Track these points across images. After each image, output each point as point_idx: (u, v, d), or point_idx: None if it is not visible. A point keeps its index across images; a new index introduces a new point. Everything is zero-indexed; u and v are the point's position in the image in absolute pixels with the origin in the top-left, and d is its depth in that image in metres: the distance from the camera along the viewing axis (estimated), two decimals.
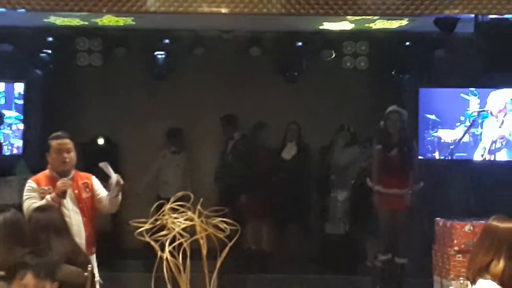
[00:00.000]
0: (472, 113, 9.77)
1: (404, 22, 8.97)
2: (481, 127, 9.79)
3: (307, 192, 10.23)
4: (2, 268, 4.31)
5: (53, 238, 5.01)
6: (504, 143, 9.76)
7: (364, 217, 9.03)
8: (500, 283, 4.01)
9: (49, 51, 10.07)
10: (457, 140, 9.75)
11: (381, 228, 8.82)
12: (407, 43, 9.89)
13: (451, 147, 9.78)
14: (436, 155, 9.92)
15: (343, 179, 9.75)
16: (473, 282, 4.15)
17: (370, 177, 8.85)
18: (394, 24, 9.15)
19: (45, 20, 9.23)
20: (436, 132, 9.86)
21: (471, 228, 7.64)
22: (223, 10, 7.37)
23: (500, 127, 9.77)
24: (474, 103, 9.78)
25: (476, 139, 9.80)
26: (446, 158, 9.80)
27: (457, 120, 9.79)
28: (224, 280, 8.01)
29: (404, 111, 8.94)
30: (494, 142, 9.74)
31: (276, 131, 10.18)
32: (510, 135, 9.75)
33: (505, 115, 9.75)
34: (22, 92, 10.05)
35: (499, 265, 4.06)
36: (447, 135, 9.84)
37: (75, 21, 9.46)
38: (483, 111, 9.76)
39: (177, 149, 10.33)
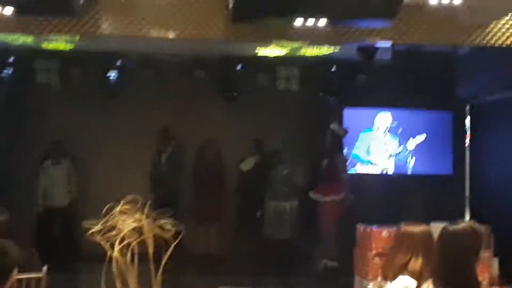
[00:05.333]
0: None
1: (331, 49, 9.10)
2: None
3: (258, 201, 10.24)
4: None
5: None
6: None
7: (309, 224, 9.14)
8: (417, 279, 4.12)
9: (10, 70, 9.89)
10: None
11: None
12: (333, 69, 10.03)
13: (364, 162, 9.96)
14: (357, 169, 10.09)
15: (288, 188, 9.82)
16: (393, 279, 4.25)
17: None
18: (322, 51, 9.27)
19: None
20: (355, 149, 10.04)
21: (388, 233, 7.75)
22: (171, 35, 7.36)
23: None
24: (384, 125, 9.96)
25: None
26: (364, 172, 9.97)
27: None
28: (172, 279, 8.01)
29: (338, 128, 9.09)
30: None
31: (219, 146, 10.24)
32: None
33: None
34: None
35: (417, 263, 4.19)
36: (361, 152, 10.01)
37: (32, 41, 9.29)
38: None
39: (57, 160, 10.16)
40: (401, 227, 4.50)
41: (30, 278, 4.72)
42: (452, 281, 3.62)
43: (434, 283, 3.74)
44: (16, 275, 4.49)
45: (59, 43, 9.00)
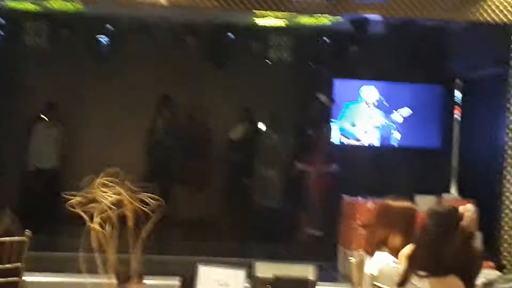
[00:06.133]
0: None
1: (324, 20, 9.02)
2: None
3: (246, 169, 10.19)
4: None
5: None
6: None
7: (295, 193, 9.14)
8: (396, 255, 4.10)
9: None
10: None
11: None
12: (325, 39, 9.95)
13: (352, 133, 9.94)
14: (344, 140, 10.06)
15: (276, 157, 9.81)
16: (372, 254, 4.23)
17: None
18: (315, 21, 9.19)
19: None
20: (342, 120, 10.00)
21: (373, 205, 7.77)
22: (162, 1, 7.27)
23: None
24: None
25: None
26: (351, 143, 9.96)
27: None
28: (159, 245, 8.04)
29: (325, 99, 9.05)
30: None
31: (208, 112, 10.19)
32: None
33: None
34: None
35: (396, 239, 4.15)
36: (347, 123, 9.98)
37: (25, 4, 9.16)
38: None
39: (50, 121, 10.10)
40: (384, 201, 4.46)
41: (12, 242, 4.71)
42: (429, 264, 3.61)
43: (409, 261, 3.73)
44: None
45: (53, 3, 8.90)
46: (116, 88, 10.36)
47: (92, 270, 3.24)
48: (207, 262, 3.73)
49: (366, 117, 9.80)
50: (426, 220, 3.71)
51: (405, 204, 4.29)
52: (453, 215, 3.70)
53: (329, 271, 7.84)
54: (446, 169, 9.41)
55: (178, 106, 10.31)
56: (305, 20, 9.15)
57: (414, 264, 3.70)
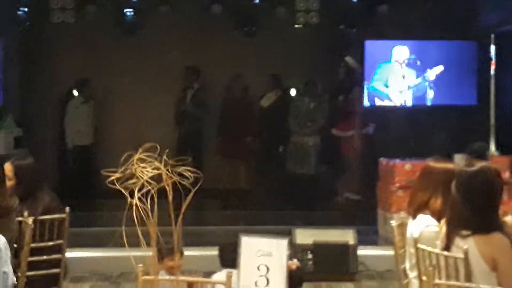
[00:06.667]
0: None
1: None
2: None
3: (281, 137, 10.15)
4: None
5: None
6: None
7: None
8: (437, 218, 4.06)
9: (26, 9, 9.82)
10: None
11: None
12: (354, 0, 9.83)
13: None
14: (377, 102, 9.97)
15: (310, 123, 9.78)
16: (414, 217, 4.21)
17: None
18: None
19: None
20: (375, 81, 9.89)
21: (411, 166, 7.72)
22: None
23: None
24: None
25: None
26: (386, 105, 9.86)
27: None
28: (198, 216, 8.11)
29: (352, 61, 8.95)
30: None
31: (238, 81, 10.17)
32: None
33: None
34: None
35: (437, 202, 4.12)
36: (379, 84, 9.86)
37: None
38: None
39: (84, 98, 10.17)
40: (425, 162, 4.40)
41: (53, 219, 4.78)
42: (470, 223, 3.58)
43: (448, 224, 3.71)
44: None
45: None
46: (145, 61, 10.36)
47: (133, 244, 3.28)
48: (246, 232, 3.74)
49: (399, 77, 9.67)
50: (462, 184, 3.67)
51: (446, 165, 4.22)
52: (492, 175, 3.66)
53: (369, 234, 7.85)
54: (484, 126, 9.27)
55: (207, 76, 10.28)
56: None
57: (456, 224, 3.67)
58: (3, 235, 3.41)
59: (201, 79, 10.21)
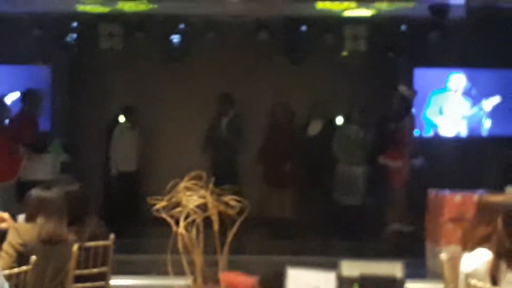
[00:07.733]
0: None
1: (401, 6, 8.87)
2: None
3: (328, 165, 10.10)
4: (52, 241, 4.21)
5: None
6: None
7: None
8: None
9: (74, 35, 10.05)
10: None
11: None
12: (403, 27, 9.79)
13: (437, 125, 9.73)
14: (430, 131, 9.88)
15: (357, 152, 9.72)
16: (471, 250, 4.15)
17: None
18: (392, 8, 9.05)
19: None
20: (428, 110, 9.81)
21: (461, 198, 7.59)
22: None
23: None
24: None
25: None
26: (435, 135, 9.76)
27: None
28: (243, 244, 8.09)
29: (406, 90, 8.91)
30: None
31: (284, 108, 10.16)
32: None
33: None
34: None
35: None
36: (433, 114, 9.77)
37: (99, 9, 9.42)
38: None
39: (130, 124, 10.26)
40: (483, 196, 4.35)
41: (98, 246, 4.82)
42: None
43: (498, 258, 3.63)
44: None
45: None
46: (192, 88, 10.47)
47: (178, 272, 3.29)
48: (291, 262, 3.72)
49: (453, 106, 9.57)
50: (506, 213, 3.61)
51: (507, 198, 4.18)
52: None
53: (417, 267, 7.71)
54: None
55: (249, 102, 10.31)
56: (382, 6, 9.02)
57: (508, 259, 3.60)
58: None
59: (245, 106, 10.22)
